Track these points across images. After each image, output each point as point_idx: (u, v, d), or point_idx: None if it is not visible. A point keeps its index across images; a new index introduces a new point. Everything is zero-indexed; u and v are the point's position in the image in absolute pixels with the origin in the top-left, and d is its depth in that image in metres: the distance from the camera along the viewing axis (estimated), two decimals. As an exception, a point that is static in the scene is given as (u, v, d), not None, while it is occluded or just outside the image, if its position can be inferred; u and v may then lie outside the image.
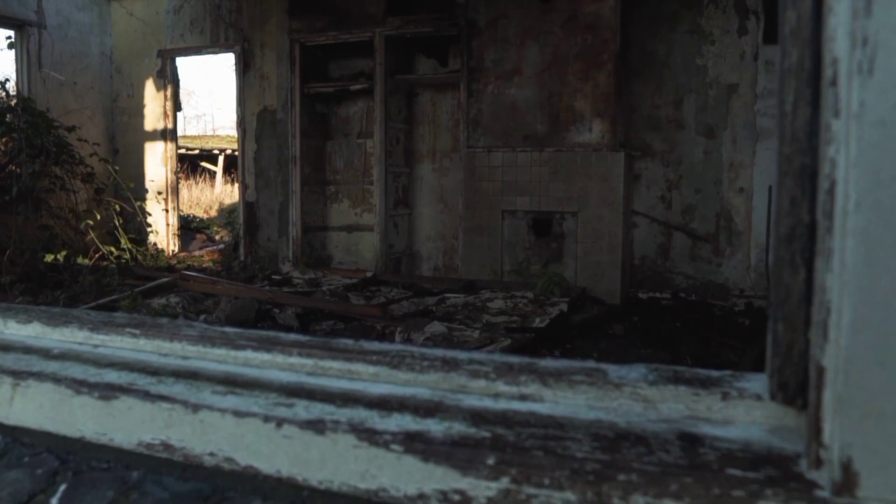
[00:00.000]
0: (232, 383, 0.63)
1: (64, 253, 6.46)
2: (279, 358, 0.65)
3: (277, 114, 7.20)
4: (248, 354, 0.67)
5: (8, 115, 6.75)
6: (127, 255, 7.36)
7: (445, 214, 7.03)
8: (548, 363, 0.58)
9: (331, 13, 6.79)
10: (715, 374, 0.56)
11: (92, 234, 6.99)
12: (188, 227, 9.83)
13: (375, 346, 0.64)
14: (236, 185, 10.03)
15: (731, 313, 5.54)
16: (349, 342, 0.65)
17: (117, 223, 7.38)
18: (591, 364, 0.57)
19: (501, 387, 0.57)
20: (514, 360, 0.58)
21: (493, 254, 6.13)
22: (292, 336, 0.68)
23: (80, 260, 6.69)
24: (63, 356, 0.72)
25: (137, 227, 7.82)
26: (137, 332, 0.73)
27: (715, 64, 6.00)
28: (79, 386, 0.65)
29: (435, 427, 0.52)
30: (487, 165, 6.13)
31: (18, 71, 7.31)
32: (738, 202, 5.99)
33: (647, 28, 6.10)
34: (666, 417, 0.53)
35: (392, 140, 6.82)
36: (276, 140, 7.24)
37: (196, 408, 0.58)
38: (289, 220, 7.13)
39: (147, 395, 0.61)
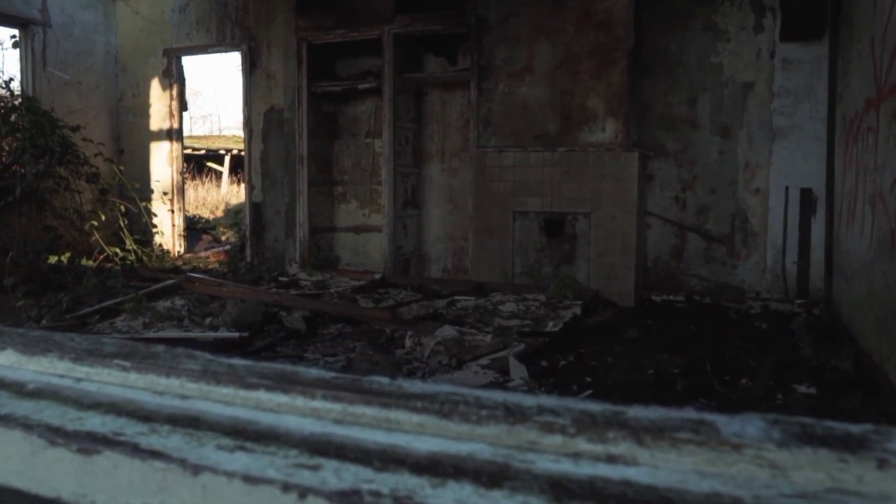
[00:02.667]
0: (241, 434, 0.51)
1: (68, 254, 6.37)
2: (299, 401, 0.53)
3: (284, 113, 7.09)
4: (261, 395, 0.55)
5: (12, 115, 6.66)
6: (132, 257, 7.28)
7: (455, 215, 6.90)
8: (639, 413, 0.46)
9: (338, 11, 6.68)
10: (855, 430, 0.43)
11: (96, 235, 6.90)
12: (194, 228, 9.74)
13: (418, 387, 0.51)
14: (242, 185, 9.95)
15: (746, 316, 5.43)
16: (384, 381, 0.53)
17: (122, 224, 7.29)
18: (694, 415, 0.45)
19: (582, 444, 0.45)
20: (596, 408, 0.46)
21: (503, 255, 6.00)
22: (314, 372, 0.56)
23: (84, 261, 6.60)
24: (39, 393, 0.60)
25: (142, 228, 7.72)
26: (128, 364, 0.61)
27: (730, 62, 5.87)
28: (54, 435, 0.53)
29: (505, 502, 0.40)
30: (498, 165, 6.00)
31: (23, 70, 7.22)
32: (754, 203, 5.86)
33: (661, 25, 5.97)
34: (803, 491, 0.40)
35: (401, 140, 6.70)
36: (283, 140, 7.13)
37: (197, 469, 0.46)
38: (296, 221, 7.01)
39: (136, 451, 0.49)
